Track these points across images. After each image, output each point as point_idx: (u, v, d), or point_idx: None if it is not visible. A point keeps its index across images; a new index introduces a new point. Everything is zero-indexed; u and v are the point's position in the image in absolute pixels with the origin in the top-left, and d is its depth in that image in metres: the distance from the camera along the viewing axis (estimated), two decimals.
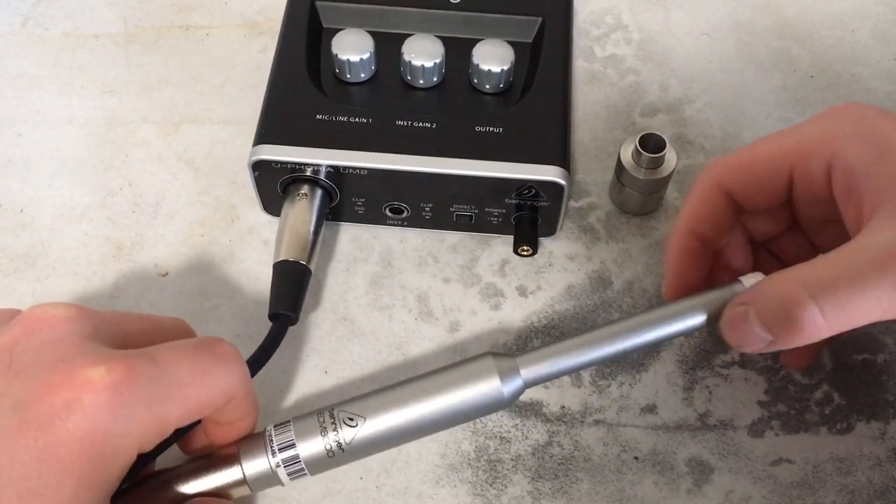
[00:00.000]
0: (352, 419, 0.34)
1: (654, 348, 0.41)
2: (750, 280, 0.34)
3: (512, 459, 0.39)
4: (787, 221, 0.38)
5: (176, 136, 0.48)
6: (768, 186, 0.35)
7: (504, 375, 0.35)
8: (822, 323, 0.29)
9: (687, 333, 0.35)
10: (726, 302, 0.34)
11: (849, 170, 0.32)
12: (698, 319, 0.34)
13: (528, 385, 0.35)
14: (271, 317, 0.39)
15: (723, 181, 0.36)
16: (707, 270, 0.37)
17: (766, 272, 0.34)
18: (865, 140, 0.32)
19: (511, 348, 0.42)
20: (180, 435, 0.35)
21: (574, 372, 0.36)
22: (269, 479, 0.34)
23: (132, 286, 0.43)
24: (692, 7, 0.54)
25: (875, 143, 0.32)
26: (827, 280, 0.30)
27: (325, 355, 0.41)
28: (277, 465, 0.34)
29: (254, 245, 0.44)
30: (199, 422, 0.35)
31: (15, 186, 0.46)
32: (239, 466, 0.34)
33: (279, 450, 0.34)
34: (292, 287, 0.40)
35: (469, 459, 0.39)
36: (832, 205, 0.34)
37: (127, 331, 0.33)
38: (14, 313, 0.32)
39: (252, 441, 0.35)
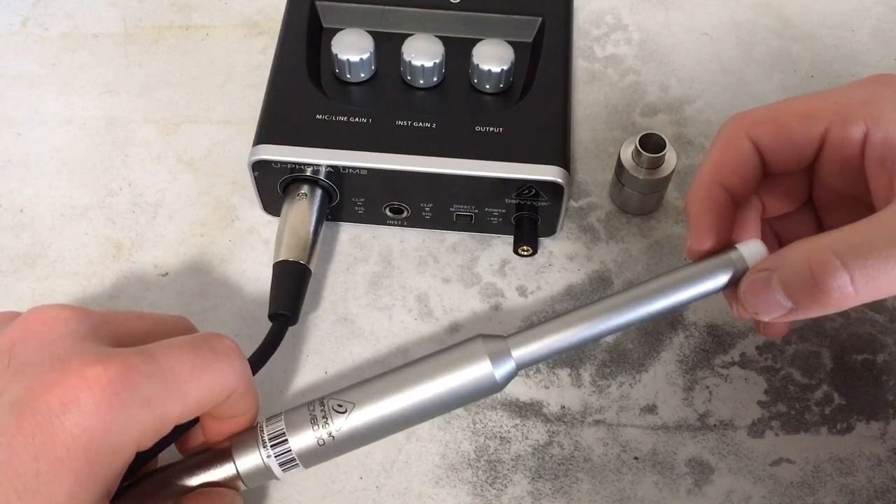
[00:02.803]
0: (341, 405, 0.34)
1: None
2: (746, 247, 0.33)
3: (512, 459, 0.39)
4: (802, 196, 0.36)
5: (176, 136, 0.48)
6: (798, 144, 0.33)
7: (495, 357, 0.34)
8: (851, 291, 0.28)
9: (683, 306, 0.34)
10: (722, 270, 0.33)
11: (886, 139, 0.31)
12: (693, 291, 0.33)
13: (522, 366, 0.34)
14: (271, 317, 0.39)
15: (752, 132, 0.33)
16: (732, 225, 0.34)
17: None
18: None
19: None
20: (181, 432, 0.35)
21: (569, 350, 0.35)
22: (263, 472, 0.34)
23: (132, 286, 0.43)
24: (692, 7, 0.54)
25: None
26: (858, 246, 0.28)
27: (325, 355, 0.41)
28: (269, 458, 0.34)
29: (254, 245, 0.45)
30: (198, 419, 0.35)
31: (15, 186, 0.46)
32: (232, 462, 0.34)
33: (270, 443, 0.34)
34: (292, 287, 0.40)
35: (469, 459, 0.39)
36: (859, 175, 0.32)
37: (128, 330, 0.33)
38: (14, 316, 0.32)
39: (244, 436, 0.34)
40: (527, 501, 0.38)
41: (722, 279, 0.33)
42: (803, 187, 0.36)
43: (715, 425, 0.40)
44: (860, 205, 0.33)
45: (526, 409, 0.40)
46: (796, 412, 0.40)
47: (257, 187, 0.43)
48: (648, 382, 0.41)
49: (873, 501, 0.38)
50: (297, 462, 0.34)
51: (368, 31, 0.44)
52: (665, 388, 0.41)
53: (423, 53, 0.43)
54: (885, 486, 0.38)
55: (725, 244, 0.34)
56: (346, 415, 0.34)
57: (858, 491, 0.38)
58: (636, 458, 0.39)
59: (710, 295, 0.33)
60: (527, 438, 0.39)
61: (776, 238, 0.38)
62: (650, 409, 0.40)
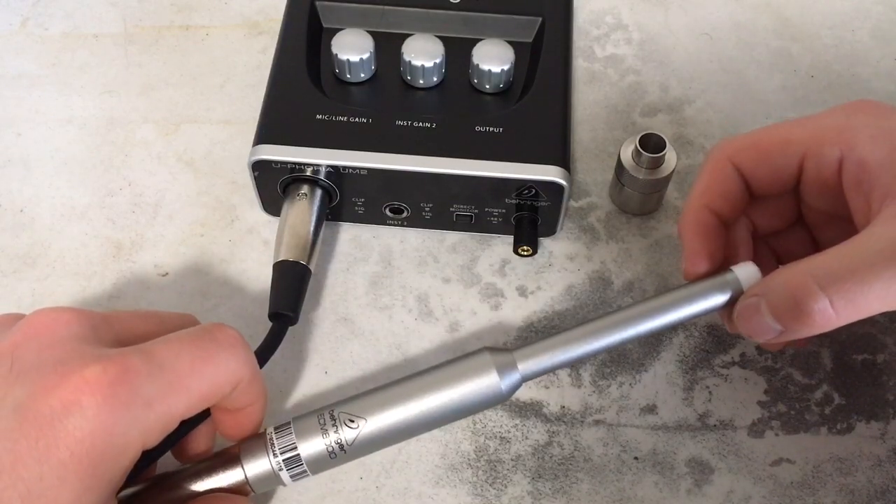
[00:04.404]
0: (352, 420, 0.34)
1: (647, 338, 0.41)
2: (740, 269, 0.35)
3: (512, 459, 0.39)
4: (792, 215, 0.38)
5: (176, 136, 0.48)
6: (779, 170, 0.35)
7: (501, 370, 0.35)
8: (832, 314, 0.30)
9: (680, 324, 0.35)
10: (718, 291, 0.34)
11: (861, 162, 0.32)
12: (691, 309, 0.35)
13: (526, 379, 0.35)
14: (271, 317, 0.39)
15: (734, 159, 0.36)
16: (724, 246, 0.36)
17: (760, 267, 0.35)
18: (880, 134, 0.32)
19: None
20: (189, 428, 0.35)
21: (571, 364, 0.36)
22: (271, 479, 0.34)
23: (132, 286, 0.43)
24: (692, 7, 0.54)
25: (889, 138, 0.32)
26: (836, 271, 0.30)
27: (325, 355, 0.41)
28: (279, 467, 0.34)
29: (254, 245, 0.44)
30: (208, 415, 0.35)
31: (15, 186, 0.46)
32: (240, 468, 0.34)
33: (281, 451, 0.34)
34: (292, 287, 0.40)
35: (469, 459, 0.39)
36: (840, 197, 0.34)
37: (131, 331, 0.33)
38: (16, 318, 0.32)
39: (253, 442, 0.35)
40: (527, 501, 0.38)
41: (719, 300, 0.35)
42: (792, 207, 0.38)
43: (715, 425, 0.40)
44: (847, 222, 0.34)
45: (526, 409, 0.40)
46: (796, 412, 0.40)
47: (257, 187, 0.43)
48: (648, 382, 0.41)
49: (873, 501, 0.38)
50: (307, 471, 0.34)
51: (368, 31, 0.44)
52: (665, 388, 0.41)
53: (423, 53, 0.43)
54: (885, 486, 0.38)
55: (719, 264, 0.35)
56: (357, 429, 0.34)
57: (858, 491, 0.38)
58: (636, 458, 0.39)
59: (707, 314, 0.35)
60: (527, 438, 0.39)
61: (773, 255, 0.39)
62: (650, 409, 0.40)
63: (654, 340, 0.42)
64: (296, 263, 0.40)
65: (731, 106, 0.49)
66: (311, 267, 0.40)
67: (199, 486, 0.34)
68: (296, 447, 0.34)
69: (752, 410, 0.40)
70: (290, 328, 0.39)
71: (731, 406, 0.40)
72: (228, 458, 0.34)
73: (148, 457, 0.33)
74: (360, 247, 0.45)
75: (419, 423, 0.35)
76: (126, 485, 0.32)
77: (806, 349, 0.41)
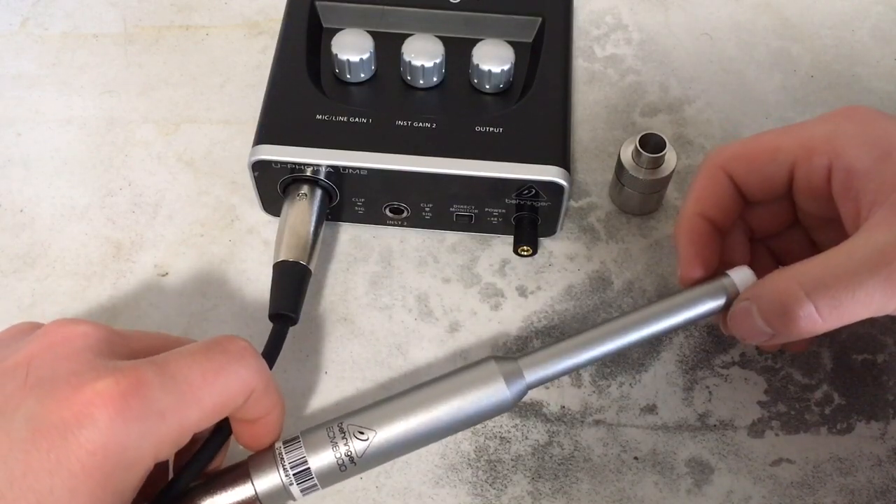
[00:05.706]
0: (362, 432, 0.34)
1: (650, 343, 0.41)
2: (736, 273, 0.35)
3: (512, 459, 0.39)
4: (788, 218, 0.38)
5: (176, 136, 0.48)
6: (769, 178, 0.36)
7: (508, 379, 0.35)
8: (817, 319, 0.31)
9: (681, 327, 0.36)
10: (715, 295, 0.35)
11: (849, 169, 0.33)
12: (690, 314, 0.36)
13: (531, 387, 0.36)
14: (272, 317, 0.39)
15: (726, 167, 0.36)
16: (719, 252, 0.37)
17: (759, 269, 0.36)
18: (868, 142, 0.33)
19: (511, 349, 0.42)
20: (215, 449, 0.34)
21: (575, 370, 0.37)
22: (281, 494, 0.34)
23: (132, 286, 0.43)
24: (692, 7, 0.54)
25: (877, 145, 0.33)
26: (821, 279, 0.31)
27: (325, 355, 0.41)
28: (290, 482, 0.34)
29: (254, 245, 0.44)
30: (230, 433, 0.34)
31: (15, 186, 0.46)
32: (250, 483, 0.34)
33: (291, 466, 0.34)
34: (292, 287, 0.39)
35: (469, 459, 0.39)
36: (831, 202, 0.34)
37: (146, 348, 0.32)
38: (34, 327, 0.32)
39: (262, 457, 0.34)
40: (527, 501, 0.38)
41: (717, 303, 0.36)
42: (788, 210, 0.38)
43: (715, 425, 0.40)
44: (842, 224, 0.35)
45: (526, 409, 0.40)
46: (796, 412, 0.40)
47: (257, 187, 0.43)
48: (648, 382, 0.41)
49: (873, 501, 0.38)
50: (317, 484, 0.34)
51: (368, 31, 0.44)
52: (665, 388, 0.41)
53: (423, 53, 0.43)
54: (885, 486, 0.38)
55: (713, 270, 0.36)
56: (367, 441, 0.34)
57: (858, 491, 0.38)
58: (636, 458, 0.39)
59: (706, 317, 0.36)
60: (527, 438, 0.39)
61: (772, 256, 0.40)
62: (650, 409, 0.40)
63: (654, 340, 0.42)
64: (296, 263, 0.40)
65: (731, 106, 0.49)
66: (311, 267, 0.40)
67: (209, 502, 0.34)
68: (306, 461, 0.34)
69: (752, 410, 0.40)
70: (291, 328, 0.39)
71: (731, 406, 0.40)
72: (238, 473, 0.34)
73: (175, 485, 0.33)
74: (360, 247, 0.45)
75: (428, 433, 0.35)
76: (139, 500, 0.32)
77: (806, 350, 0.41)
